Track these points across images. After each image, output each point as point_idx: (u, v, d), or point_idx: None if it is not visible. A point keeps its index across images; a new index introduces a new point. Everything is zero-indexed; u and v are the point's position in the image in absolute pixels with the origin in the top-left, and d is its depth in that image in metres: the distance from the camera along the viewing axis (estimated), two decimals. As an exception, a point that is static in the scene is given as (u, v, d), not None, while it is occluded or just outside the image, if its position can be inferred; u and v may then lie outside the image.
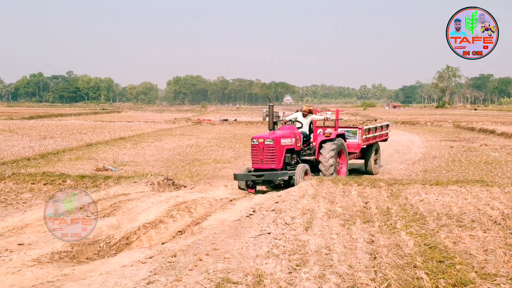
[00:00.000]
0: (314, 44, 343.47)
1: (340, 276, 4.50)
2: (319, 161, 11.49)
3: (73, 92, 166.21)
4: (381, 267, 4.66)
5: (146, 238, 6.65)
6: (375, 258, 4.98)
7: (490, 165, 14.89)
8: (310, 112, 12.29)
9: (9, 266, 5.17)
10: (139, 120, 42.72)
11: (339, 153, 12.08)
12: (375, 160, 14.70)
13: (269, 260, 4.95)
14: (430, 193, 8.28)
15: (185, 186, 10.93)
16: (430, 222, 6.30)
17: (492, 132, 27.83)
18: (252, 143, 10.83)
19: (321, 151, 11.57)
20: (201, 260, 5.01)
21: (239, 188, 10.79)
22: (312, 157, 11.69)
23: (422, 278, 4.33)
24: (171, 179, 10.43)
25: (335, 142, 11.72)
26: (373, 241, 5.60)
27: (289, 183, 10.42)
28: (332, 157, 11.46)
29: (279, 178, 10.41)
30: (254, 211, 7.23)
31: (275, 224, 6.43)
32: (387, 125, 16.07)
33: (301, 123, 12.06)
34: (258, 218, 6.86)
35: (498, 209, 6.99)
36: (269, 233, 5.99)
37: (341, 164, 12.38)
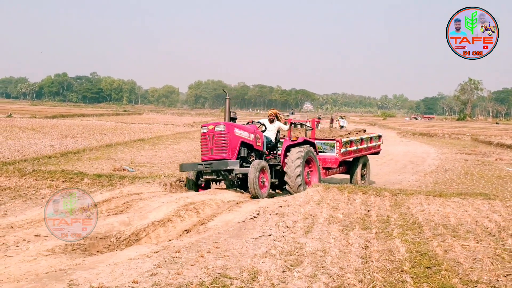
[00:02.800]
0: (336, 52, 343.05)
1: (330, 276, 4.78)
2: (285, 172, 10.31)
3: (96, 93, 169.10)
4: (370, 270, 4.93)
5: (154, 235, 7.01)
6: (366, 262, 5.25)
7: (502, 179, 14.95)
8: (277, 118, 11.26)
9: (26, 254, 5.58)
10: (159, 123, 43.46)
11: (308, 162, 10.89)
12: (363, 175, 13.72)
13: (266, 259, 5.26)
14: (433, 204, 8.48)
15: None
16: (426, 231, 6.54)
17: (510, 147, 27.65)
18: (202, 132, 9.89)
19: (286, 160, 10.42)
20: (202, 256, 5.34)
21: (187, 187, 10.07)
22: (278, 167, 10.63)
23: (406, 281, 4.60)
24: (183, 181, 10.80)
25: (303, 148, 10.57)
26: (368, 246, 5.87)
27: (245, 183, 9.54)
28: (299, 166, 10.22)
29: (229, 168, 9.35)
30: (258, 214, 7.54)
31: (277, 227, 6.73)
32: (379, 137, 15.05)
33: (265, 127, 11.10)
34: (262, 221, 7.16)
35: (496, 221, 7.17)
36: (270, 235, 6.30)
37: (311, 175, 11.07)
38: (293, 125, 12.40)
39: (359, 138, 13.52)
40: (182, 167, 10.01)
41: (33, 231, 6.57)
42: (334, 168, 12.60)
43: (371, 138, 14.29)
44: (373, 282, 4.61)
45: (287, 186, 10.39)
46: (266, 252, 5.54)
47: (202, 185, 10.25)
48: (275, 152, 11.15)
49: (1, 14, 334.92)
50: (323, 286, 4.53)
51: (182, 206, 8.13)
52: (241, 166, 9.74)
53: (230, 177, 9.64)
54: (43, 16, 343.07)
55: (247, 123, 10.97)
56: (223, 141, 9.55)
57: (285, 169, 10.36)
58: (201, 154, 9.89)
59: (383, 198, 8.93)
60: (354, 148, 13.07)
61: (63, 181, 10.98)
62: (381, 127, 52.90)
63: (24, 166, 12.73)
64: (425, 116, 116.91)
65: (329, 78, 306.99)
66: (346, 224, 6.97)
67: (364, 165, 13.92)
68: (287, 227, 6.74)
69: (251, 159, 10.14)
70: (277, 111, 11.43)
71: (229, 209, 8.24)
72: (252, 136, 10.16)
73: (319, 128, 22.65)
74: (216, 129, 9.61)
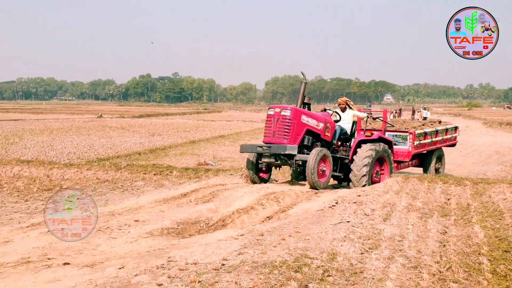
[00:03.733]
0: (417, 40, 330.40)
1: (407, 258, 4.99)
2: (351, 169, 9.79)
3: (178, 92, 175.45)
4: (447, 253, 5.08)
5: (239, 221, 7.52)
6: (444, 245, 5.39)
7: None
8: (348, 106, 10.65)
9: (128, 237, 6.28)
10: (238, 120, 44.59)
11: (380, 161, 10.22)
12: (437, 170, 12.91)
13: (344, 243, 5.55)
14: (517, 192, 8.29)
15: (276, 181, 11.73)
16: (507, 218, 6.48)
17: None
18: (268, 113, 9.60)
19: (354, 156, 9.83)
20: (284, 239, 5.74)
21: (247, 168, 9.73)
22: (346, 160, 10.12)
23: (483, 263, 4.71)
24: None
25: (375, 146, 9.87)
26: (446, 232, 5.98)
27: (305, 171, 9.18)
28: (366, 165, 9.60)
29: (287, 152, 8.96)
30: (336, 203, 7.80)
31: (355, 214, 6.97)
32: (455, 128, 14.07)
33: (339, 116, 10.52)
34: (340, 209, 7.43)
35: None
36: (348, 222, 6.56)
37: (380, 175, 10.34)
38: (370, 118, 11.78)
39: (434, 130, 12.79)
40: (242, 148, 9.85)
41: (132, 217, 7.31)
42: (406, 161, 12.01)
43: (446, 129, 13.49)
44: (450, 263, 4.77)
45: (350, 184, 9.91)
46: (344, 236, 5.82)
47: (263, 168, 10.00)
48: (347, 144, 10.58)
49: (93, 22, 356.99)
50: (400, 267, 4.75)
51: (263, 195, 8.58)
52: (302, 153, 9.37)
53: (289, 162, 9.35)
54: (128, 21, 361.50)
55: (321, 111, 10.59)
56: (286, 126, 9.22)
57: (351, 166, 9.84)
58: (264, 136, 9.66)
59: (464, 187, 8.84)
60: (428, 140, 12.40)
61: (154, 174, 11.87)
62: (466, 118, 50.64)
63: (119, 162, 13.88)
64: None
65: (410, 68, 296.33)
66: (425, 212, 7.06)
67: (439, 159, 13.22)
68: (366, 214, 6.96)
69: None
70: (348, 99, 10.82)
71: (308, 198, 8.58)
72: (321, 125, 9.72)
73: (391, 118, 21.92)
74: (282, 113, 9.29)
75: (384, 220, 6.61)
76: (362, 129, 10.70)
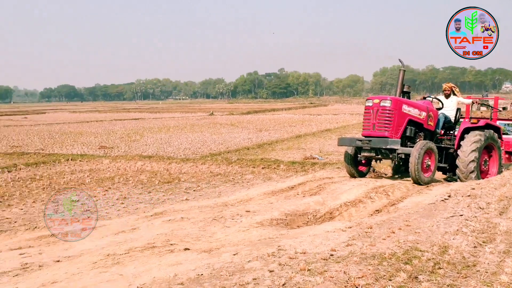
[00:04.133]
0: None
1: (526, 253, 4.75)
2: (457, 155, 9.37)
3: (284, 88, 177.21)
4: None
5: (347, 214, 7.57)
6: None
7: None
8: (453, 92, 10.09)
9: (241, 226, 6.64)
10: (344, 113, 44.11)
11: (488, 149, 9.75)
12: None
13: (457, 236, 5.40)
14: None
15: (385, 174, 11.53)
16: None
17: None
18: (366, 105, 9.21)
19: (461, 142, 9.40)
20: (393, 232, 5.72)
21: (346, 162, 9.50)
22: (451, 149, 9.64)
23: None
24: (372, 167, 11.17)
25: (483, 133, 9.41)
26: None
27: (407, 165, 8.80)
28: (474, 150, 9.14)
29: (389, 147, 8.57)
30: (449, 196, 7.55)
31: (469, 208, 6.71)
32: None
33: (442, 104, 10.01)
34: (453, 203, 7.18)
35: None
36: (461, 215, 6.34)
37: (489, 164, 9.85)
38: (477, 105, 11.27)
39: None
40: (340, 141, 9.56)
41: (243, 207, 7.70)
42: None
43: None
44: None
45: (457, 171, 9.42)
46: (457, 230, 5.66)
47: (363, 161, 9.73)
48: (451, 132, 10.09)
49: (205, 25, 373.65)
50: (517, 261, 4.55)
51: (372, 188, 8.53)
52: (405, 145, 9.04)
53: (391, 156, 9.01)
54: (237, 20, 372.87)
55: (422, 99, 10.21)
56: (387, 118, 8.83)
57: (458, 151, 9.41)
58: (363, 129, 9.32)
59: None
60: None
61: (262, 168, 12.30)
62: None
63: (230, 156, 14.55)
64: None
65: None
66: (548, 207, 6.60)
67: None
68: (480, 208, 6.67)
69: (418, 140, 9.29)
70: (453, 85, 10.24)
71: (418, 191, 8.37)
72: (423, 114, 9.27)
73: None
74: (382, 104, 8.87)
75: (500, 214, 6.30)
76: (469, 118, 10.19)
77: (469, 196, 7.40)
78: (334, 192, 8.58)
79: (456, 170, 9.42)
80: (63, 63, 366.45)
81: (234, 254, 5.05)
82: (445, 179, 9.96)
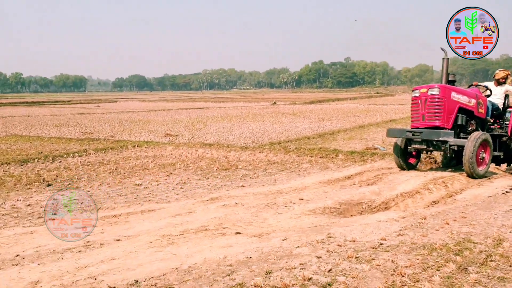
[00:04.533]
0: None
1: None
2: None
3: (350, 77, 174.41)
4: None
5: (403, 205, 7.45)
6: None
7: None
8: (506, 79, 9.65)
9: (293, 213, 6.72)
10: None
11: None
12: None
13: (515, 230, 5.21)
14: None
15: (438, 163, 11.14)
16: None
17: None
18: (413, 96, 8.87)
19: None
20: (448, 224, 5.60)
21: (395, 153, 9.28)
22: (504, 138, 9.25)
23: None
24: (433, 158, 10.85)
25: None
26: None
27: (461, 156, 8.37)
28: None
29: (441, 139, 8.19)
30: (511, 189, 7.25)
31: (533, 202, 6.43)
32: None
33: (490, 91, 9.61)
34: (516, 196, 6.90)
35: None
36: (523, 209, 6.09)
37: None
38: None
39: None
40: (389, 133, 9.23)
41: (297, 195, 7.78)
42: None
43: None
44: None
45: None
46: (516, 223, 5.45)
47: (413, 153, 9.52)
48: (500, 120, 9.67)
49: (270, 13, 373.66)
50: None
51: (430, 180, 8.32)
52: (457, 136, 8.70)
53: (443, 148, 8.61)
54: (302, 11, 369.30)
55: (469, 86, 9.78)
56: (436, 107, 8.46)
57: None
58: (411, 121, 9.01)
59: None
60: None
61: (320, 157, 12.27)
62: None
63: (288, 145, 14.62)
64: None
65: None
66: None
67: None
68: (545, 202, 6.36)
69: (470, 128, 9.00)
70: (510, 72, 9.71)
71: (479, 183, 8.08)
72: (473, 101, 8.88)
73: None
74: (430, 92, 8.53)
75: None
76: None
77: (533, 189, 7.07)
78: (391, 183, 8.45)
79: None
80: (134, 54, 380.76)
81: (284, 240, 5.15)
82: (507, 171, 9.49)
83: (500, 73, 9.66)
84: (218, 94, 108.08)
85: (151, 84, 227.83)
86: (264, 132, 20.12)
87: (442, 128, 8.43)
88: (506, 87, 9.69)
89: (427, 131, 8.46)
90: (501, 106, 9.70)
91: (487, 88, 9.70)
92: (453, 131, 8.41)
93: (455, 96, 8.61)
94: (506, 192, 7.12)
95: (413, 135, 8.62)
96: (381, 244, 4.90)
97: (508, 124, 9.34)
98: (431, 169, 9.89)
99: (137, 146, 14.78)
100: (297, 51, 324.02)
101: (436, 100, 8.47)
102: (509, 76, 9.71)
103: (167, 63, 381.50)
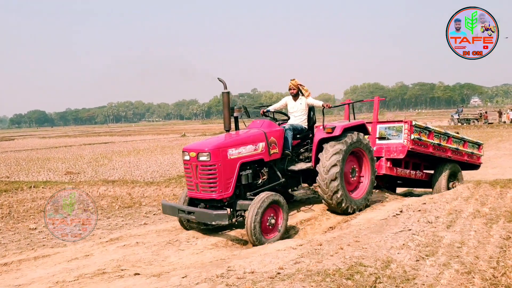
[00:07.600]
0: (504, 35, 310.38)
1: (463, 264, 4.93)
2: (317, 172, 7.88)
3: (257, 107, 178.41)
4: (506, 258, 4.96)
5: (302, 232, 7.71)
6: (504, 251, 5.25)
7: None
8: (301, 92, 8.45)
9: (195, 248, 6.69)
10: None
11: (357, 156, 8.52)
12: (450, 185, 10.54)
13: (401, 250, 5.57)
14: None
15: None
16: None
17: None
18: (183, 159, 7.11)
19: (319, 155, 7.91)
20: (342, 249, 5.85)
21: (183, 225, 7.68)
22: (307, 165, 8.09)
23: (542, 268, 4.56)
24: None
25: (343, 140, 7.94)
26: (510, 237, 5.79)
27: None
28: (335, 165, 7.70)
29: (214, 223, 6.75)
30: (401, 211, 7.75)
31: (418, 222, 6.90)
32: (478, 145, 11.62)
33: (288, 116, 8.60)
34: (404, 218, 7.37)
35: None
36: (410, 230, 6.52)
37: (361, 176, 8.64)
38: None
39: (444, 132, 10.62)
40: (163, 209, 7.44)
41: (200, 230, 7.76)
42: (400, 159, 9.73)
43: (464, 141, 11.19)
44: (506, 268, 4.66)
45: (319, 191, 8.00)
46: (403, 244, 5.83)
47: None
48: (308, 141, 8.52)
49: (179, 45, 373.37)
50: (453, 273, 4.72)
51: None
52: (243, 196, 7.26)
53: (228, 223, 6.76)
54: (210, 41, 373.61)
55: (261, 114, 8.69)
56: (210, 176, 6.82)
57: (317, 168, 7.89)
58: (187, 189, 7.32)
59: (542, 191, 8.41)
60: (434, 141, 10.19)
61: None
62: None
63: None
64: None
65: (498, 68, 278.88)
66: (491, 218, 6.85)
67: (454, 175, 10.87)
68: (428, 222, 6.87)
69: (260, 181, 7.53)
70: (300, 83, 8.45)
71: (372, 208, 8.57)
72: (260, 146, 7.45)
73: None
74: (200, 158, 6.82)
75: (447, 227, 6.50)
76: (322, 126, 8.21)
77: (419, 210, 7.61)
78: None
79: (319, 191, 8.06)
80: (33, 88, 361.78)
81: (183, 277, 5.10)
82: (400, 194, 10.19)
83: (289, 85, 8.49)
84: (125, 127, 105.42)
85: (52, 120, 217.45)
86: (172, 164, 19.91)
87: (220, 201, 6.95)
88: (305, 100, 8.46)
89: (199, 213, 6.83)
90: (305, 125, 8.53)
91: (282, 113, 8.74)
92: (227, 212, 6.59)
93: (233, 153, 7.03)
94: (397, 214, 7.59)
95: (187, 214, 6.98)
96: (279, 273, 5.01)
97: (312, 152, 8.16)
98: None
99: (34, 187, 13.94)
100: (206, 84, 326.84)
101: (208, 168, 6.81)
102: (300, 87, 8.48)
103: (69, 97, 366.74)
